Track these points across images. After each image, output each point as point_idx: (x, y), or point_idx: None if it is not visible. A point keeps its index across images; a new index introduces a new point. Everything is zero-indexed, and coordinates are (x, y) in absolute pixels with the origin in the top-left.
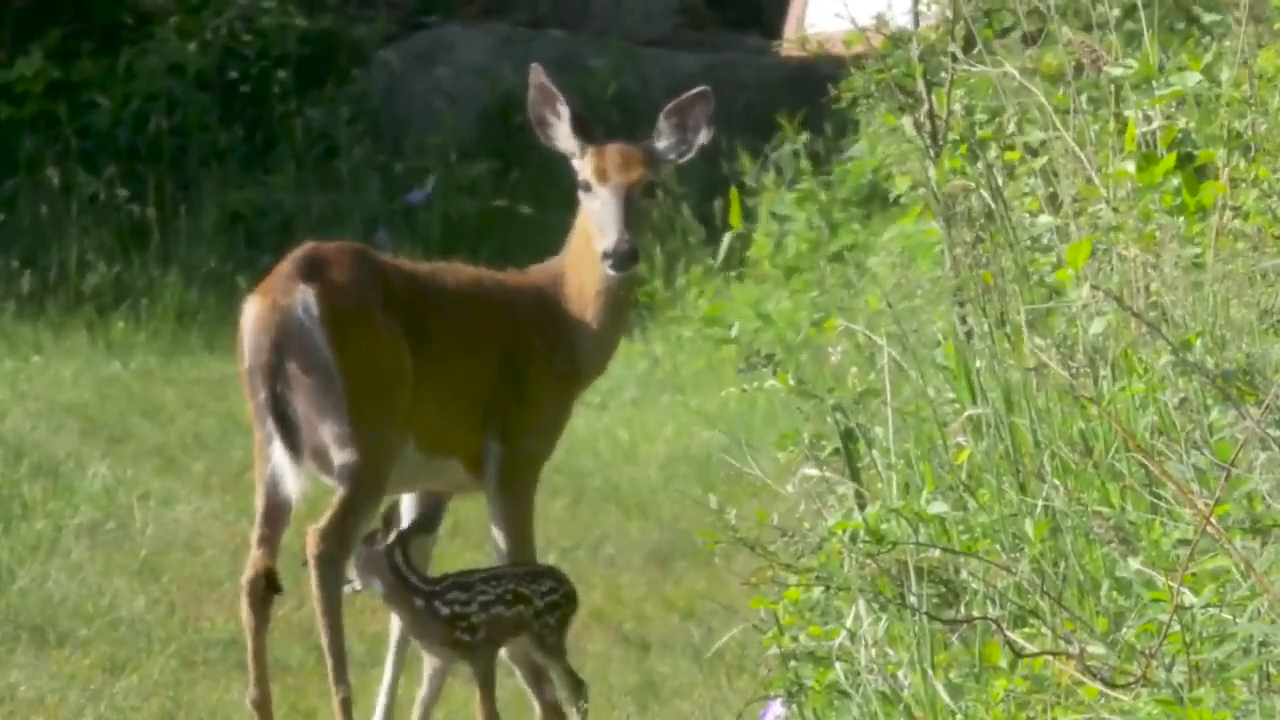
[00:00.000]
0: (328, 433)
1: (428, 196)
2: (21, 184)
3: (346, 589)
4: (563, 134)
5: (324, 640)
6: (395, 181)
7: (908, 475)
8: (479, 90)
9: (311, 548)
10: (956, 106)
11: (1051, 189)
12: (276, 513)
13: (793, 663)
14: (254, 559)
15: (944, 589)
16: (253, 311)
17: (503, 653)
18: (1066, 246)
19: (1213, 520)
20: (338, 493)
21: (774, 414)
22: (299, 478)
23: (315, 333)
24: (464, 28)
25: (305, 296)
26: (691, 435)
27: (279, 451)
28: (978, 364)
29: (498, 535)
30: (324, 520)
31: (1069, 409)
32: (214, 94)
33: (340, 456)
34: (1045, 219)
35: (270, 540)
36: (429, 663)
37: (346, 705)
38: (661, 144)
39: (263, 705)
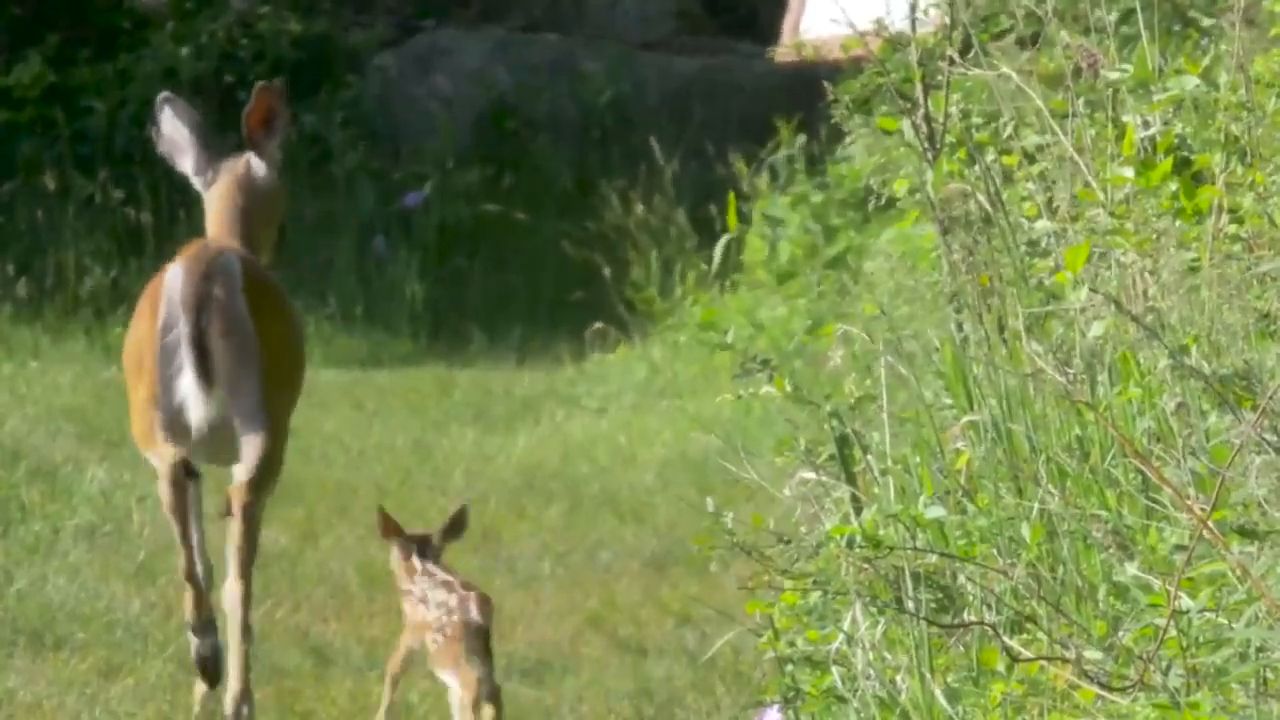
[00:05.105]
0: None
1: (423, 199)
2: (18, 188)
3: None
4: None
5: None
6: (390, 187)
7: (904, 480)
8: (474, 95)
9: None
10: (953, 110)
11: (1049, 194)
12: (180, 433)
13: (789, 667)
14: (167, 452)
15: (941, 594)
16: (176, 266)
17: None
18: (1064, 250)
19: (1210, 525)
20: (255, 441)
21: (770, 419)
22: (209, 406)
23: (236, 289)
24: (459, 32)
25: (229, 257)
26: (688, 440)
27: (190, 380)
28: (975, 369)
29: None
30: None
31: (1066, 414)
32: (210, 99)
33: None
34: (1043, 223)
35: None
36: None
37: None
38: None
39: (193, 577)
